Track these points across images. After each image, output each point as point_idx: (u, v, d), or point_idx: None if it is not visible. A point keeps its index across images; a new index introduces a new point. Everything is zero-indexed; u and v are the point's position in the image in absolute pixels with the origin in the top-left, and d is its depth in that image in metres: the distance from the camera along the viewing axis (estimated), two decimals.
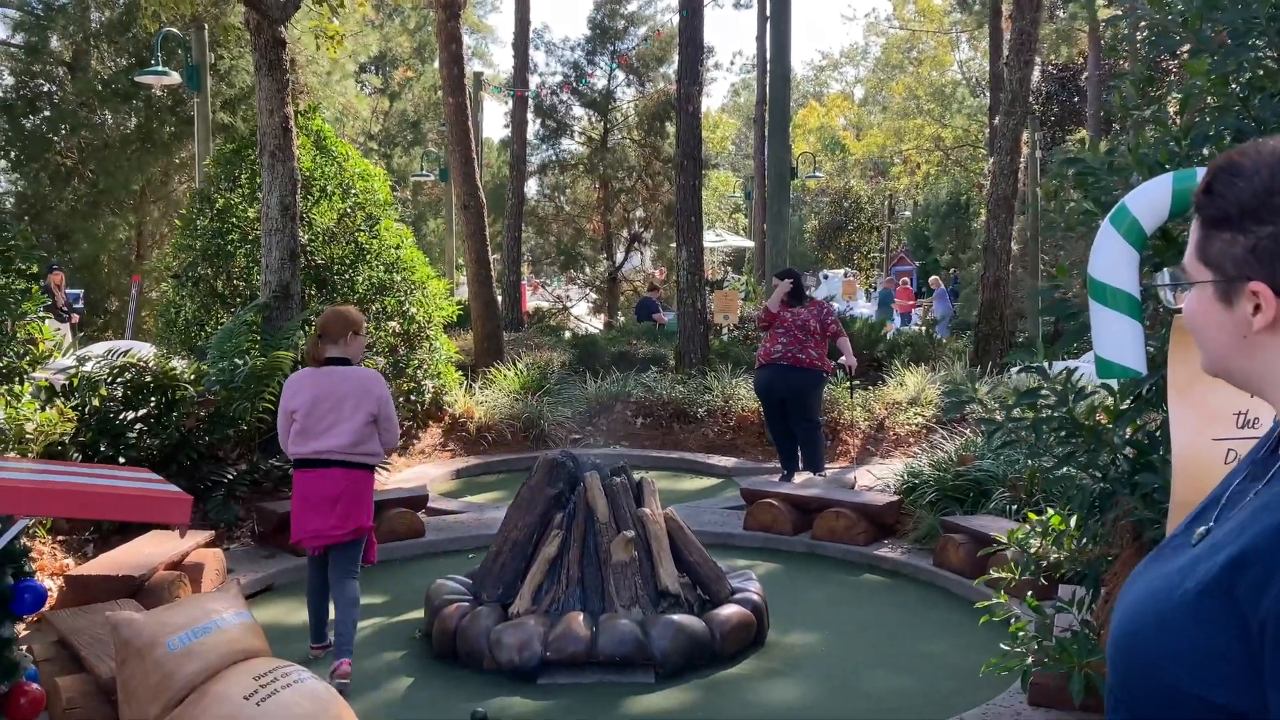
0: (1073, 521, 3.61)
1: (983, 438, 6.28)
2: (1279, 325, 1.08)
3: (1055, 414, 3.16)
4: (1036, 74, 15.09)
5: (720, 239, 29.17)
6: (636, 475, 5.79)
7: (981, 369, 12.00)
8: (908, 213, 41.29)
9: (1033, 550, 3.54)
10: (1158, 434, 3.18)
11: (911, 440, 9.99)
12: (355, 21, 21.98)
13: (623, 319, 20.96)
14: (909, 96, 36.73)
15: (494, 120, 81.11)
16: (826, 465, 8.78)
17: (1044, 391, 3.20)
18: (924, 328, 17.45)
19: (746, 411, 11.08)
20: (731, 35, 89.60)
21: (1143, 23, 3.40)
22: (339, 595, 4.90)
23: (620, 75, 21.27)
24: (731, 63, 68.85)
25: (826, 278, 32.44)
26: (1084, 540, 3.60)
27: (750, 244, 28.68)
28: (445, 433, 10.39)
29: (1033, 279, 16.56)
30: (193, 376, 7.27)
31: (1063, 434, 3.14)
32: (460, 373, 11.12)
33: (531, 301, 23.31)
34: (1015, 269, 15.21)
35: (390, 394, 5.05)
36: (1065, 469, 3.34)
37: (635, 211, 21.59)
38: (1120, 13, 4.11)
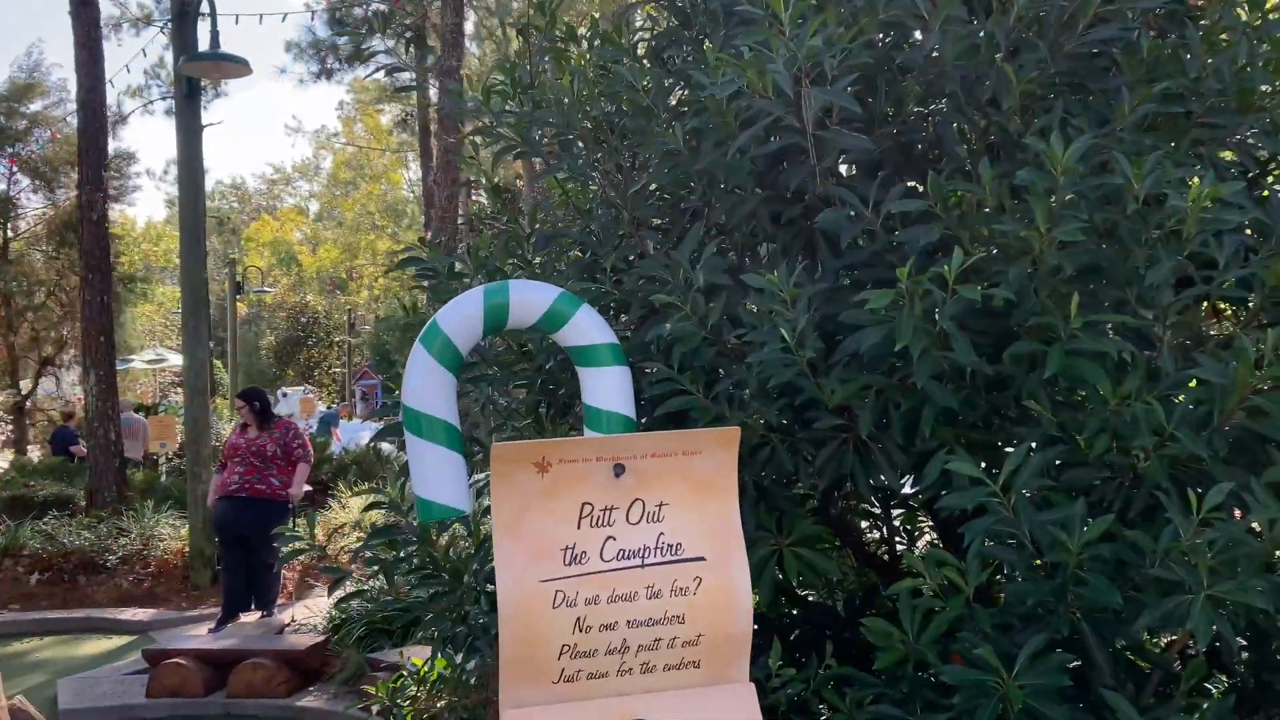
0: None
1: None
2: None
3: (414, 551, 2.82)
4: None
5: (161, 358, 26.80)
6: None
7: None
8: (369, 326, 41.11)
9: (409, 698, 3.16)
10: None
11: (356, 568, 9.42)
12: None
13: (38, 455, 18.21)
14: (362, 213, 36.89)
15: None
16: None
17: (402, 526, 2.85)
18: (370, 445, 17.01)
19: (169, 555, 9.86)
20: (166, 144, 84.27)
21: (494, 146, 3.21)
22: None
23: (25, 180, 18.83)
24: (165, 172, 64.52)
25: (285, 395, 31.05)
26: (471, 683, 3.31)
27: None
28: None
29: None
30: None
31: (424, 574, 2.81)
32: None
33: None
34: None
35: None
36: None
37: (49, 332, 19.05)
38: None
